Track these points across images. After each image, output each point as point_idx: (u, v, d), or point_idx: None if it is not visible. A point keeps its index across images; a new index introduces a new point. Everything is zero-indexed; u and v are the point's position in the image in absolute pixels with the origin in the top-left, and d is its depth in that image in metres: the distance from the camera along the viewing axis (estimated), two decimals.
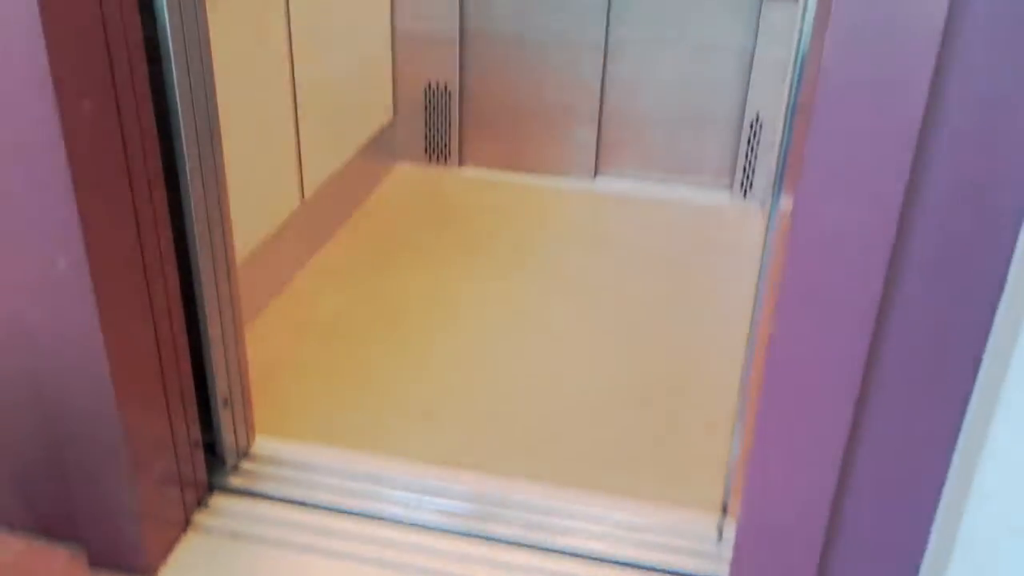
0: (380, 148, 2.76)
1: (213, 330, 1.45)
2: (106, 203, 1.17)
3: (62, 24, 1.05)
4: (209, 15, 1.32)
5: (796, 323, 1.08)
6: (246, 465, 1.60)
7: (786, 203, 1.24)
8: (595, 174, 2.85)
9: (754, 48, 2.57)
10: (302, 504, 1.54)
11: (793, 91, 1.33)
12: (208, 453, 1.53)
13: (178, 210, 1.37)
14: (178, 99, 1.29)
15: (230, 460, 1.58)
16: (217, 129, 1.39)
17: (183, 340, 1.40)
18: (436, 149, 2.90)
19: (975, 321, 1.03)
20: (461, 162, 2.91)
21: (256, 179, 1.99)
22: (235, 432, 1.58)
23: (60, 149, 1.09)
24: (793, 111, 1.28)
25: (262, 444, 1.65)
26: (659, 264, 2.40)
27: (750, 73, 2.60)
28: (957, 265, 1.00)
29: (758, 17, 2.54)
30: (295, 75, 2.11)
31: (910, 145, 0.92)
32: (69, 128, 1.09)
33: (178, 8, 1.25)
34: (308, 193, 2.27)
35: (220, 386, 1.50)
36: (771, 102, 2.60)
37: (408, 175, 2.88)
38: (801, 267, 1.05)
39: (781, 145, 1.63)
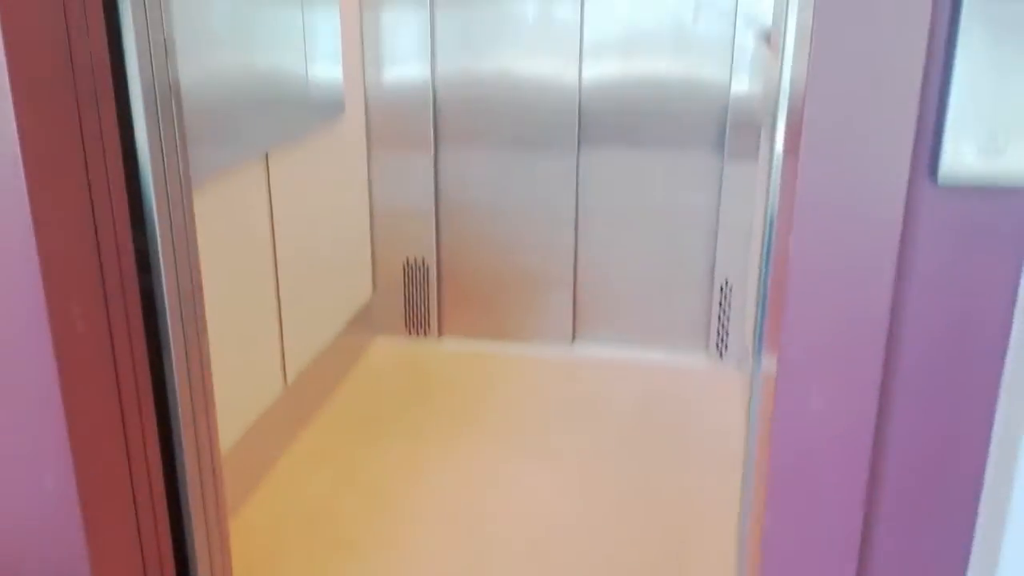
0: (360, 324, 2.80)
1: (199, 535, 1.42)
2: (95, 417, 1.18)
3: (56, 240, 1.09)
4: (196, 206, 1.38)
5: (787, 502, 1.08)
6: None
7: (767, 369, 1.26)
8: (573, 339, 2.89)
9: (718, 210, 2.68)
10: None
11: (764, 262, 1.38)
12: None
13: (164, 411, 1.37)
14: (167, 305, 1.32)
15: None
16: (204, 330, 1.42)
17: (168, 547, 1.37)
18: (415, 322, 2.94)
19: (964, 494, 1.04)
20: (440, 333, 2.95)
21: (239, 371, 2.00)
22: None
23: (51, 365, 1.10)
24: (766, 281, 1.33)
25: None
26: (642, 431, 2.40)
27: (716, 236, 2.70)
28: (942, 437, 1.02)
29: (720, 179, 2.65)
30: (277, 262, 2.17)
31: (884, 318, 0.95)
32: (60, 343, 1.11)
33: (168, 218, 1.30)
34: (291, 378, 2.28)
35: None
36: (739, 265, 2.69)
37: (388, 349, 2.91)
38: (787, 448, 1.06)
39: (757, 317, 1.68)
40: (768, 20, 2.45)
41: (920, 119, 0.83)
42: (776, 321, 1.08)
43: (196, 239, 1.36)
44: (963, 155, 0.83)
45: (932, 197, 0.86)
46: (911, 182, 0.85)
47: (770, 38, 2.25)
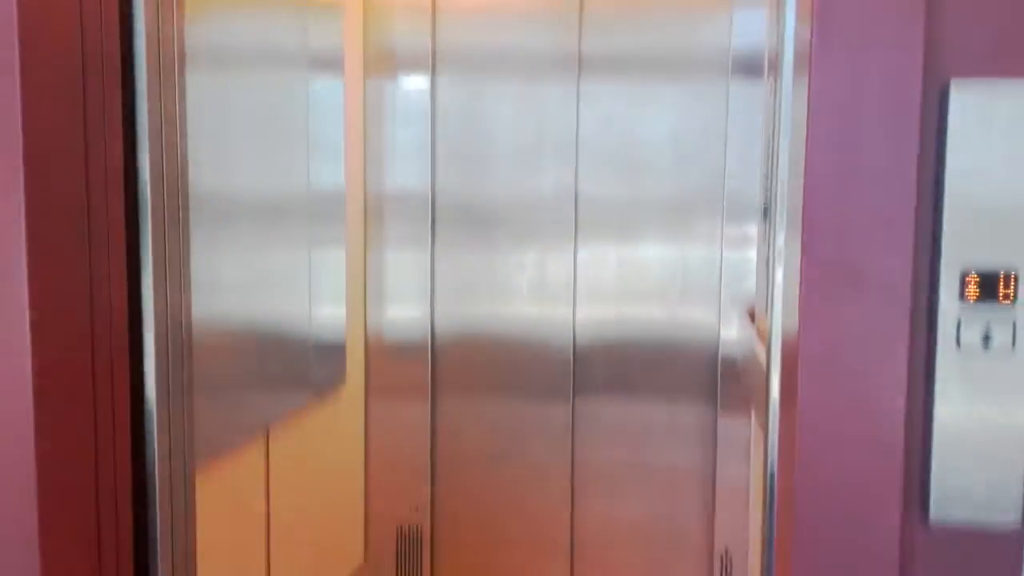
0: None
1: None
2: None
3: (58, 535, 1.09)
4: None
5: None
6: None
7: None
8: None
9: (715, 467, 2.66)
10: None
11: (768, 528, 1.36)
12: None
13: None
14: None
15: None
16: None
17: None
18: None
19: None
20: None
21: None
22: None
23: None
24: (770, 552, 1.31)
25: None
26: None
27: (714, 497, 2.67)
28: None
29: (714, 433, 2.64)
30: (270, 532, 2.13)
31: None
32: None
33: (169, 507, 1.30)
34: None
35: None
36: (738, 529, 2.64)
37: None
38: None
39: None
40: (751, 293, 2.58)
41: (906, 460, 0.88)
42: None
43: (195, 527, 1.35)
44: (952, 499, 0.87)
45: (924, 536, 0.90)
46: (903, 520, 0.89)
47: (753, 313, 2.36)
